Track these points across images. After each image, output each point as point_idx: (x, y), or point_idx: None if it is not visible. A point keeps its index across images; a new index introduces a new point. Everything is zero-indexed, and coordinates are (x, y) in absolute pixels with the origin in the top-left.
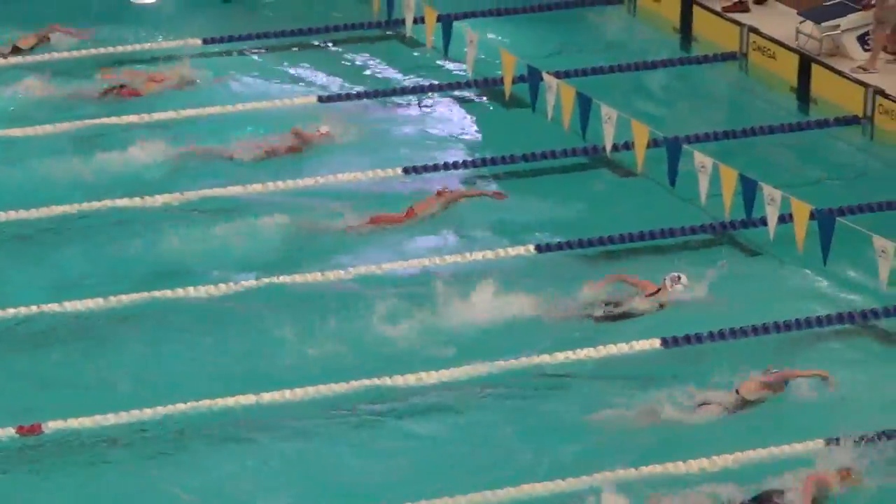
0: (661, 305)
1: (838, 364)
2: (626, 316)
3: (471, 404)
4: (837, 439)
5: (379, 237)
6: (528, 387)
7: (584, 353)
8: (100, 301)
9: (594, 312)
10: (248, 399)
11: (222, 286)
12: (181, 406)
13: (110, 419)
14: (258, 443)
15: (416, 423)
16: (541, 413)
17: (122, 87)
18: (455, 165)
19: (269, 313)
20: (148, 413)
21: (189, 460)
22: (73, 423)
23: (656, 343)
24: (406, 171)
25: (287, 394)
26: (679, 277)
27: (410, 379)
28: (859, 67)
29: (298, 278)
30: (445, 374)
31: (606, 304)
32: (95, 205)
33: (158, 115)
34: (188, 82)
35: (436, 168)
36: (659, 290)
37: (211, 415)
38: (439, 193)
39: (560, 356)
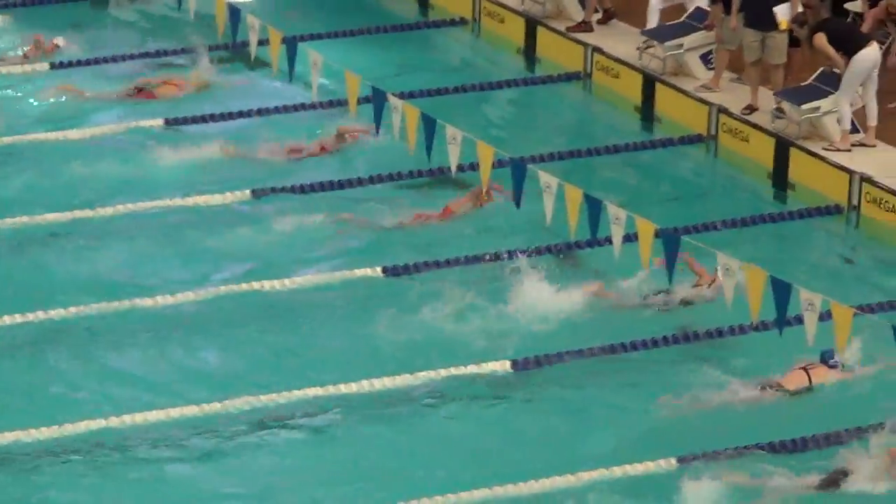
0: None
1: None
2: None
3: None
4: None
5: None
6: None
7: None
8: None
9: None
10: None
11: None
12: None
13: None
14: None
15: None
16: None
17: (140, 90)
18: (302, 189)
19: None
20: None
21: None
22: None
23: None
24: (255, 193)
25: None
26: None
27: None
28: (703, 86)
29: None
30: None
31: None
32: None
33: None
34: None
35: (283, 190)
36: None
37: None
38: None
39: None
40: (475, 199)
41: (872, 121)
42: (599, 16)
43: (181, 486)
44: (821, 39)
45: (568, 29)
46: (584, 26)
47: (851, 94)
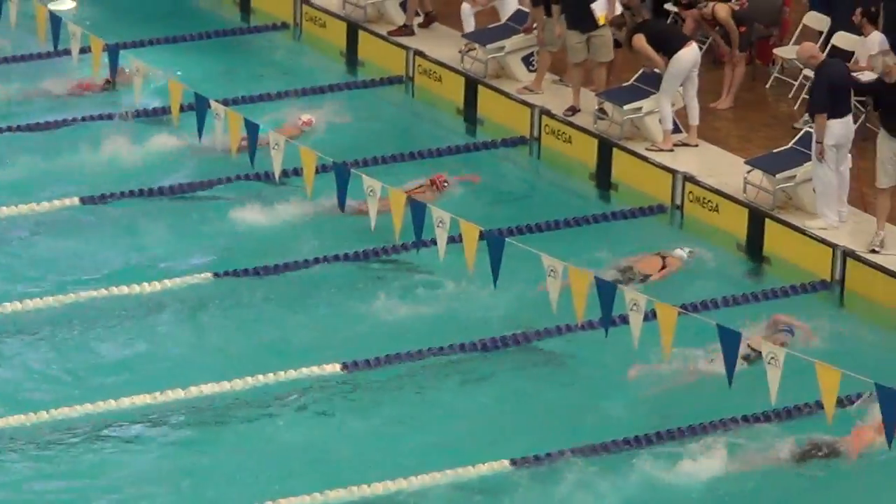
0: None
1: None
2: None
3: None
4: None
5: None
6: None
7: None
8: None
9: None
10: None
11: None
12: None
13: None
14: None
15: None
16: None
17: None
18: (132, 193)
19: None
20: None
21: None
22: None
23: None
24: (83, 200)
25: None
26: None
27: None
28: (525, 88)
29: None
30: None
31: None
32: None
33: None
34: None
35: (112, 196)
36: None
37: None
38: (432, 182)
39: None
40: (430, 189)
41: (694, 120)
42: (421, 19)
43: None
44: (640, 41)
45: (389, 33)
46: (406, 30)
47: (672, 94)
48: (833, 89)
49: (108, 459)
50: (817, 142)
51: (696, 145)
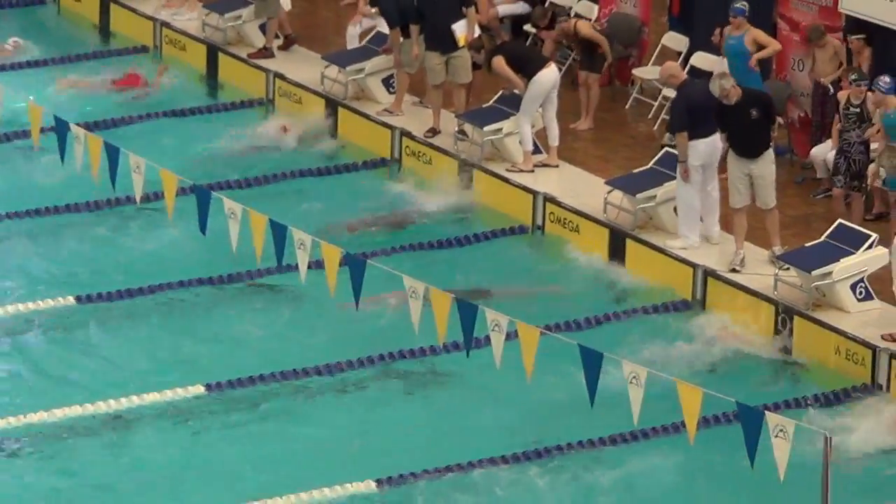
0: None
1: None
2: None
3: None
4: None
5: None
6: None
7: None
8: None
9: None
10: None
11: None
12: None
13: None
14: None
15: None
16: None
17: None
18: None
19: None
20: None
21: None
22: None
23: None
24: None
25: None
26: None
27: None
28: (385, 110)
29: None
30: None
31: None
32: None
33: None
34: None
35: None
36: None
37: None
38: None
39: None
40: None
41: (554, 141)
42: (280, 42)
43: None
44: (500, 62)
45: (250, 55)
46: (266, 52)
47: (532, 115)
48: (692, 109)
49: None
50: (680, 161)
51: (557, 166)
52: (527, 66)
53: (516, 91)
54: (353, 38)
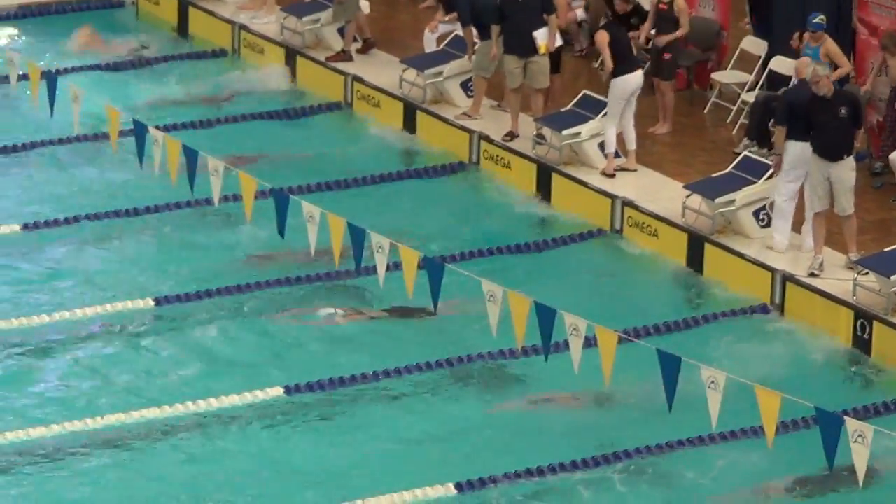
0: None
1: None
2: None
3: None
4: None
5: None
6: None
7: None
8: None
9: None
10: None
11: None
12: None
13: None
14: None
15: None
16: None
17: None
18: (76, 219)
19: None
20: None
21: None
22: None
23: None
24: (27, 226)
25: None
26: None
27: None
28: (463, 114)
29: None
30: None
31: None
32: None
33: None
34: None
35: (56, 223)
36: None
37: None
38: None
39: None
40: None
41: (631, 144)
42: (359, 45)
43: None
44: (603, 37)
45: (328, 59)
46: (344, 56)
47: (616, 117)
48: (793, 106)
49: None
50: (775, 153)
51: (635, 170)
52: (619, 62)
53: (602, 71)
54: (430, 41)
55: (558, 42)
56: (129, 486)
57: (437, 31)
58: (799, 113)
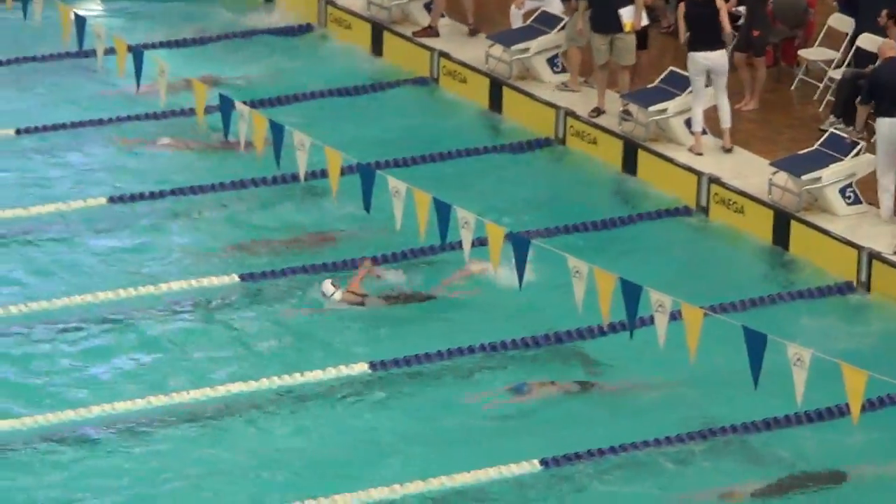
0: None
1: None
2: None
3: None
4: None
5: None
6: None
7: None
8: None
9: None
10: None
11: None
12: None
13: None
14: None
15: None
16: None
17: None
18: (161, 194)
19: None
20: None
21: None
22: None
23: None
24: (112, 199)
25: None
26: None
27: None
28: (563, 84)
29: None
30: None
31: None
32: None
33: None
34: None
35: (142, 196)
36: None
37: None
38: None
39: None
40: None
41: (725, 123)
42: (467, 31)
43: None
44: (679, 10)
45: (414, 34)
46: (430, 31)
47: (699, 94)
48: (877, 85)
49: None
50: (857, 132)
51: (730, 149)
52: (692, 37)
53: (681, 40)
54: (517, 17)
55: (644, 21)
56: (212, 460)
57: (524, 6)
58: (884, 92)
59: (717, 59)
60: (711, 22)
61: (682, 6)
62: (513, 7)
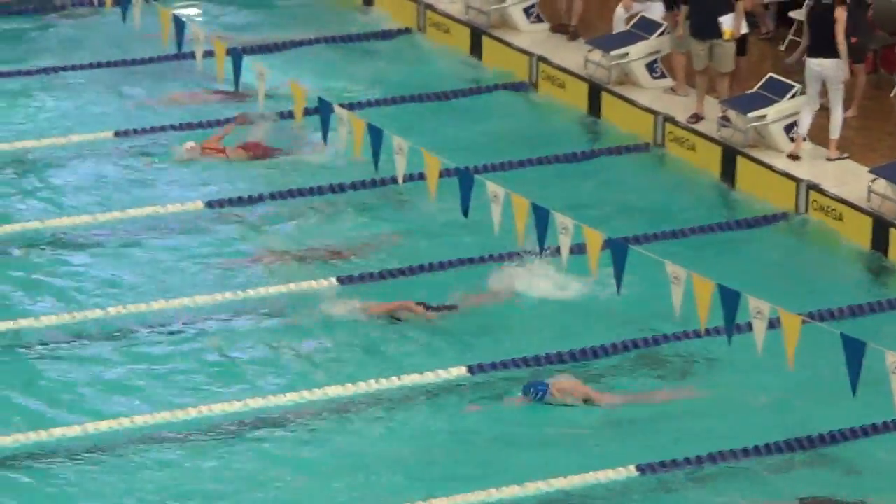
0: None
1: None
2: None
3: None
4: None
5: None
6: None
7: None
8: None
9: None
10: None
11: None
12: None
13: None
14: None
15: None
16: None
17: None
18: (260, 198)
19: None
20: None
21: None
22: None
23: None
24: (210, 204)
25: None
26: None
27: None
28: (671, 89)
29: None
30: None
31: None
32: None
33: None
34: None
35: (241, 201)
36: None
37: None
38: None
39: None
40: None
41: (834, 133)
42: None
43: None
44: (842, 14)
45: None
46: (569, 30)
47: (810, 100)
48: None
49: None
50: None
51: (835, 158)
52: (809, 44)
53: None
54: (619, 20)
55: (744, 29)
56: (308, 464)
57: (632, 9)
58: None
59: (830, 67)
60: (829, 29)
61: (843, 11)
62: (619, 8)
